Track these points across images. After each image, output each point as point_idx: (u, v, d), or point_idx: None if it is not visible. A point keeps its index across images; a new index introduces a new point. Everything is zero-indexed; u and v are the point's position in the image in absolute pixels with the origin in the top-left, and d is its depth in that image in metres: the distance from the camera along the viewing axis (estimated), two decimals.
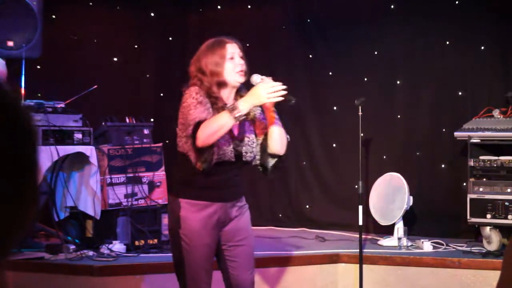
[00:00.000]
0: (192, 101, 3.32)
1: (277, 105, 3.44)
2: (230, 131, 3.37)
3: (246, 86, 3.50)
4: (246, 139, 3.45)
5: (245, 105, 3.29)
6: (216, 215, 3.41)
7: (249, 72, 3.49)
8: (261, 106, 3.49)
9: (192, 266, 3.38)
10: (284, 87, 3.35)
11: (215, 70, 3.41)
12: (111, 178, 5.37)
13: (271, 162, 3.53)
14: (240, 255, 3.50)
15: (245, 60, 3.50)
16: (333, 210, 6.57)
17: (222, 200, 3.42)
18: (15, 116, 0.88)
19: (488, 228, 5.32)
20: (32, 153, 0.89)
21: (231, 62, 3.43)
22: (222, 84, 3.43)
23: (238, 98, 3.41)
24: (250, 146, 3.45)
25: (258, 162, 3.53)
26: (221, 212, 3.42)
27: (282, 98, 3.34)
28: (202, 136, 3.22)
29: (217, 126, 3.23)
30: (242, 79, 3.45)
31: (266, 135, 3.49)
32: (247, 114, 3.41)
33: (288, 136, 3.55)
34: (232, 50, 3.47)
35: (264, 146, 3.50)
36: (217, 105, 3.38)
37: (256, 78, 3.43)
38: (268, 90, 3.31)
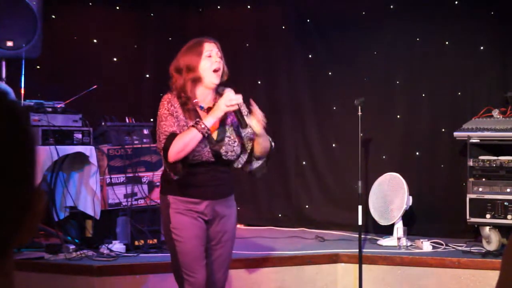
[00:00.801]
0: (164, 112, 3.48)
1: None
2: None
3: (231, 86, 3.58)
4: (226, 139, 3.55)
5: (209, 118, 3.42)
6: (203, 212, 3.52)
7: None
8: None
9: (185, 259, 3.47)
10: (240, 100, 3.46)
11: (191, 65, 3.51)
12: (110, 178, 5.38)
13: (256, 164, 3.67)
14: (221, 255, 3.62)
15: (224, 61, 3.58)
16: (333, 210, 6.57)
17: (209, 198, 3.53)
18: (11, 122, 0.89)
19: (487, 228, 5.32)
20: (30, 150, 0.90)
21: (208, 60, 3.52)
22: (197, 81, 3.51)
23: (218, 98, 3.51)
24: (231, 145, 3.56)
25: (240, 166, 3.66)
26: (209, 209, 3.53)
27: (237, 107, 3.45)
28: (173, 152, 3.36)
29: (186, 141, 3.37)
30: (217, 80, 3.53)
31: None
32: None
33: (273, 143, 3.67)
34: (210, 48, 3.54)
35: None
36: (187, 106, 3.49)
37: (220, 90, 3.56)
38: (225, 101, 3.42)
